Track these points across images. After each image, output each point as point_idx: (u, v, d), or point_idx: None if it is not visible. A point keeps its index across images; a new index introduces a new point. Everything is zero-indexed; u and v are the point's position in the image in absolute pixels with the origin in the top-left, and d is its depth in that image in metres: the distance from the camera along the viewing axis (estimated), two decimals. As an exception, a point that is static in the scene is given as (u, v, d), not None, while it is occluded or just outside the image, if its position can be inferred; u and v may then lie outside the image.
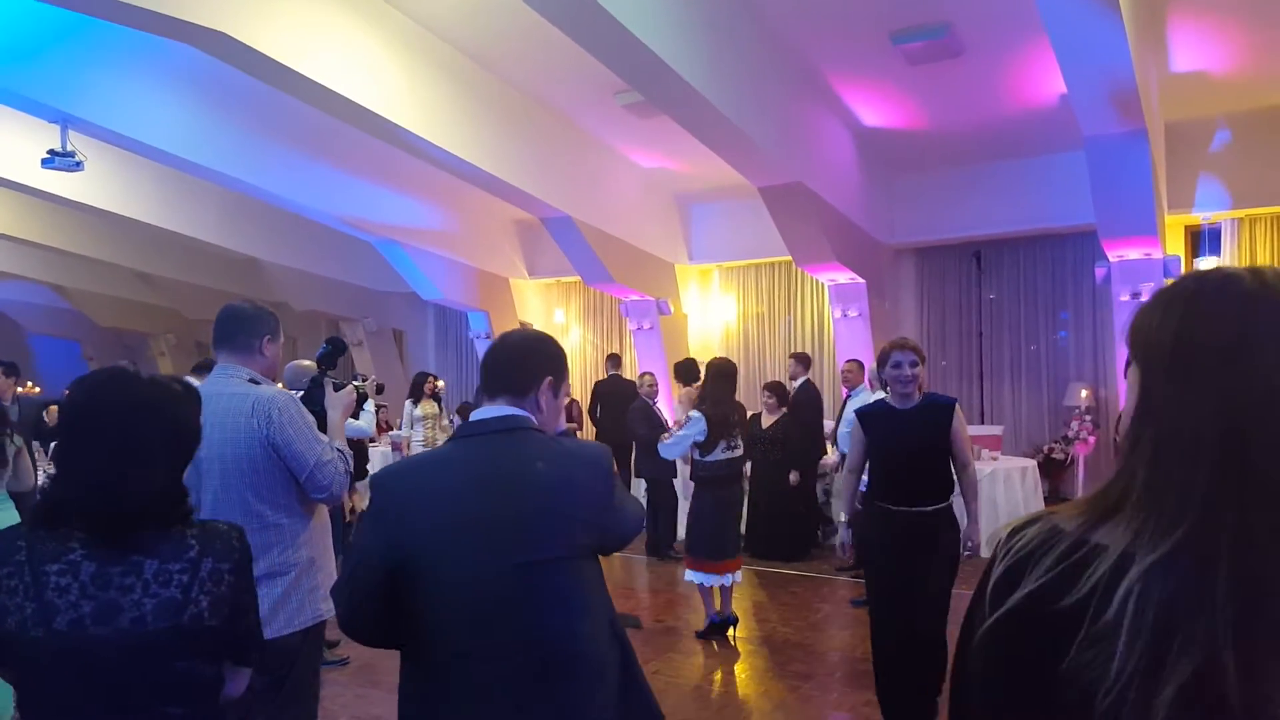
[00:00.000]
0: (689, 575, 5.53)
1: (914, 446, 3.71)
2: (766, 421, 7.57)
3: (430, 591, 1.65)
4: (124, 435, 1.49)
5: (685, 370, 7.66)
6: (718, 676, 4.99)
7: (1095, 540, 0.86)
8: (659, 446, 5.82)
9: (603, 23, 4.95)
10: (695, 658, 5.30)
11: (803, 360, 8.34)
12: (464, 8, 6.41)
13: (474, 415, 1.81)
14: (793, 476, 7.41)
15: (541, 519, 1.68)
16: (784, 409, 7.58)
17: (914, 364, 3.70)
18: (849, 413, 7.06)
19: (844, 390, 7.69)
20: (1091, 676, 0.80)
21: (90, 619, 1.43)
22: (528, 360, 1.85)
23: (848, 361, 7.70)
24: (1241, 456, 0.81)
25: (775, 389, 7.66)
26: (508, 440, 1.76)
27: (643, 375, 8.48)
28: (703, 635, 5.60)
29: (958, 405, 3.87)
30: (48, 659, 1.44)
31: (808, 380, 8.20)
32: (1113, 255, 7.57)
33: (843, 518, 4.20)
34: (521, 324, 12.39)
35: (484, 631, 1.64)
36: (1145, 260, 7.45)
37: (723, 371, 5.55)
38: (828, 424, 8.14)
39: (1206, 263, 8.75)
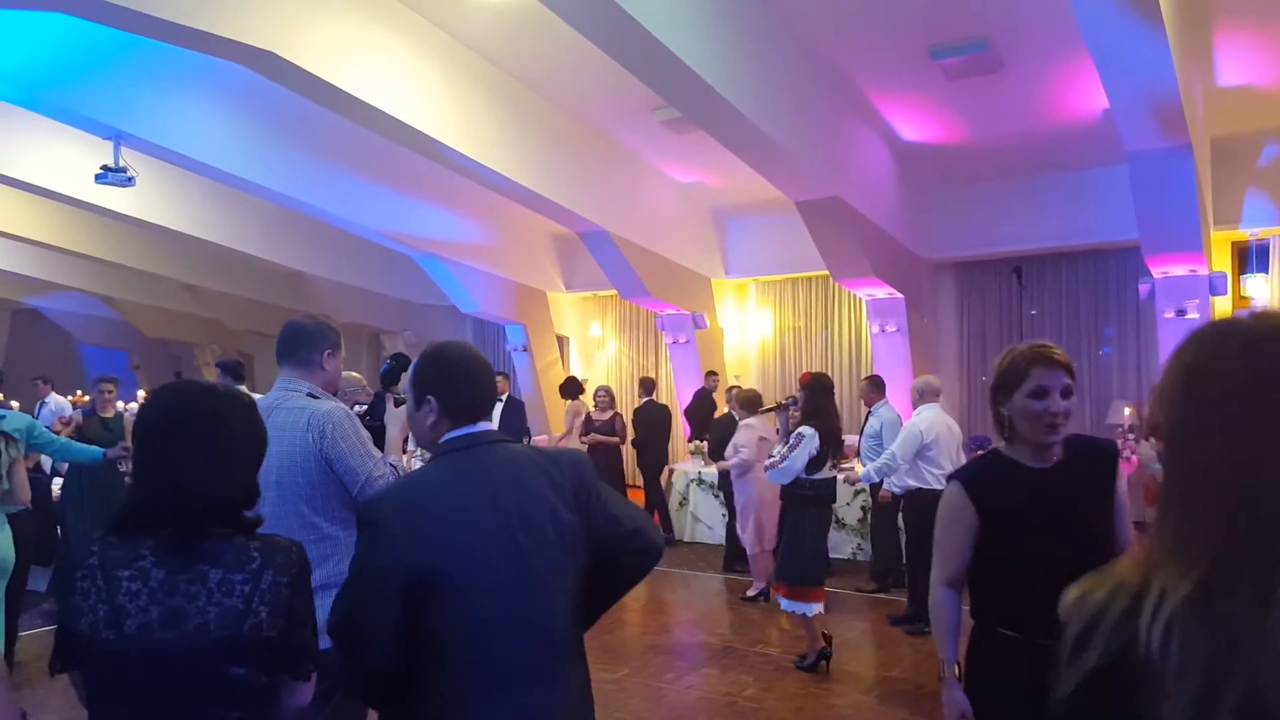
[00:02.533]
0: (786, 605, 5.20)
1: (1073, 529, 2.12)
2: None
3: (451, 601, 1.70)
4: (192, 442, 1.59)
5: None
6: (750, 693, 4.96)
7: (1152, 588, 0.89)
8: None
9: (641, 40, 5.00)
10: (729, 673, 5.28)
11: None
12: (505, 26, 6.51)
13: (451, 434, 1.86)
14: None
15: (541, 515, 1.79)
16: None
17: (1067, 391, 2.18)
18: (871, 426, 6.96)
19: (865, 407, 7.38)
20: (1169, 713, 0.84)
21: (158, 624, 1.52)
22: (492, 382, 2.00)
23: (865, 379, 7.55)
24: (1253, 494, 0.85)
25: None
26: (497, 450, 1.86)
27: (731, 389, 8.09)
28: (805, 667, 5.25)
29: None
30: (116, 659, 1.52)
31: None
32: (1157, 271, 7.45)
33: (949, 671, 2.25)
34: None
35: (503, 627, 1.72)
36: (1190, 276, 7.32)
37: (826, 386, 5.45)
38: (850, 439, 7.98)
39: (1254, 280, 8.57)
